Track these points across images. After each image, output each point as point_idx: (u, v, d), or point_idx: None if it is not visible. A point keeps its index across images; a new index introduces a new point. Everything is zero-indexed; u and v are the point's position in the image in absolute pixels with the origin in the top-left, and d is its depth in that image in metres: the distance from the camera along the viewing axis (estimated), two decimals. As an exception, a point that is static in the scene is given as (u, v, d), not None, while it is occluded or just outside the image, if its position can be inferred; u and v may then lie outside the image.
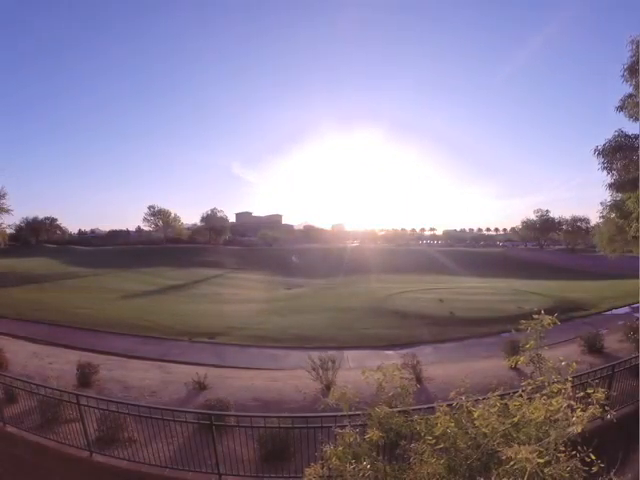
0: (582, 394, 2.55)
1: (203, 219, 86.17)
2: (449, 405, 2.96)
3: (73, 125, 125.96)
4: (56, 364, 11.12)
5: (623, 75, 13.64)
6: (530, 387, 2.70)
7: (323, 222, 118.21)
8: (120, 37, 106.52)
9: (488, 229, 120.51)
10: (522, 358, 3.08)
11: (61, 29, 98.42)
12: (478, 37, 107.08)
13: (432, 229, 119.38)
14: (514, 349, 9.55)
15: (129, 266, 48.57)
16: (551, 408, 2.31)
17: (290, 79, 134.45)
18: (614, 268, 34.57)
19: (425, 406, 4.03)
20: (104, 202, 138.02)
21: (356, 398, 3.31)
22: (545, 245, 79.28)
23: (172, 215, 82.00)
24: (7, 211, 29.85)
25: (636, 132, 14.53)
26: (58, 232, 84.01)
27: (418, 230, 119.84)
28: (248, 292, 32.86)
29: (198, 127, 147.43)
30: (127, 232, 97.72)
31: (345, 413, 3.33)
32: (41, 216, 79.92)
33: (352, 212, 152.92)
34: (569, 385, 2.53)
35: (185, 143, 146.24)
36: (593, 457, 2.38)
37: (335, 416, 4.57)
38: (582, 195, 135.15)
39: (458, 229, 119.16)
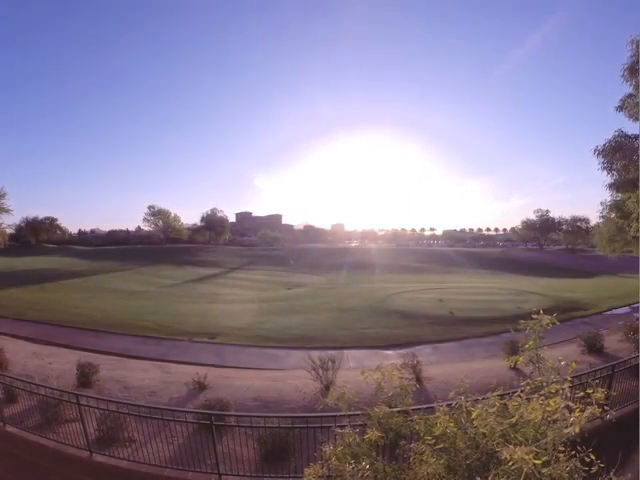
0: (582, 394, 2.55)
1: (203, 219, 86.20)
2: (448, 405, 2.96)
3: (73, 125, 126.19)
4: (56, 364, 11.11)
5: (623, 75, 13.63)
6: (529, 387, 2.70)
7: (323, 222, 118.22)
8: (120, 37, 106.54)
9: (488, 229, 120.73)
10: (521, 358, 3.08)
11: (63, 28, 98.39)
12: (478, 36, 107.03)
13: (432, 229, 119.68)
14: (513, 349, 9.57)
15: (129, 266, 48.59)
16: (548, 409, 2.30)
17: (290, 79, 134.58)
18: (613, 268, 34.64)
19: (424, 406, 4.03)
20: (104, 202, 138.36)
21: (356, 398, 3.31)
22: (545, 245, 79.27)
23: (172, 215, 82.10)
24: (7, 211, 29.95)
25: (636, 132, 14.52)
26: (58, 232, 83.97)
27: (418, 230, 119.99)
28: (248, 292, 32.84)
29: (198, 127, 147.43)
30: (127, 232, 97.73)
31: (345, 413, 3.33)
32: (41, 216, 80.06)
33: (352, 212, 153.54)
34: (567, 385, 2.53)
35: (185, 143, 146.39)
36: (593, 457, 2.38)
37: (335, 416, 4.58)
38: (582, 195, 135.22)
39: (458, 229, 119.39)
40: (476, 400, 2.84)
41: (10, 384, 7.71)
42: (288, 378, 10.44)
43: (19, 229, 75.31)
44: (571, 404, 2.32)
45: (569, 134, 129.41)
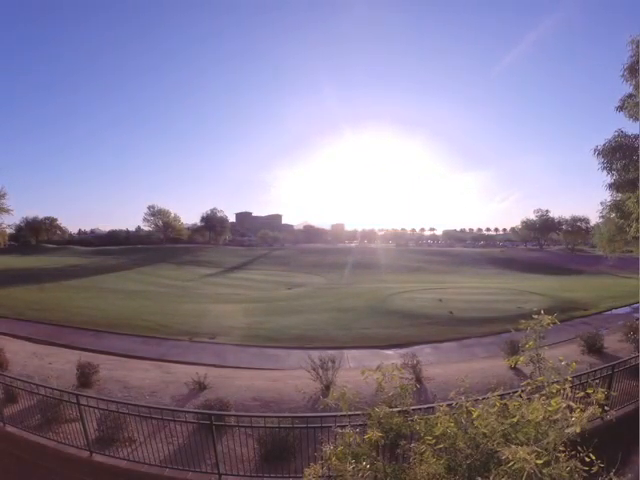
0: (582, 394, 2.55)
1: (203, 219, 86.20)
2: (449, 405, 2.97)
3: (73, 125, 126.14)
4: (56, 364, 11.10)
5: (623, 75, 13.64)
6: (530, 387, 2.70)
7: (323, 222, 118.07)
8: (120, 36, 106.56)
9: (488, 229, 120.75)
10: (522, 358, 3.09)
11: (63, 28, 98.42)
12: (477, 36, 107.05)
13: (432, 229, 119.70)
14: (514, 349, 9.58)
15: (129, 266, 48.60)
16: (550, 408, 2.31)
17: (290, 79, 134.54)
18: (613, 268, 34.65)
19: (425, 406, 4.04)
20: (104, 202, 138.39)
21: (356, 398, 3.31)
22: (545, 245, 79.27)
23: (172, 215, 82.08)
24: (7, 211, 29.89)
25: (636, 132, 14.53)
26: (58, 232, 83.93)
27: (418, 230, 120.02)
28: (248, 292, 32.83)
29: (198, 127, 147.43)
30: (127, 232, 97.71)
31: (345, 413, 3.33)
32: (41, 216, 79.94)
33: (352, 212, 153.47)
34: (568, 385, 2.53)
35: (185, 143, 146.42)
36: (593, 457, 2.38)
37: (335, 416, 4.58)
38: (582, 195, 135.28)
39: (458, 229, 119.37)
40: (476, 400, 2.84)
41: (10, 384, 7.71)
42: (288, 378, 10.43)
43: (19, 229, 75.26)
44: (572, 404, 2.33)
45: (569, 134, 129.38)
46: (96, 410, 6.64)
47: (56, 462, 6.64)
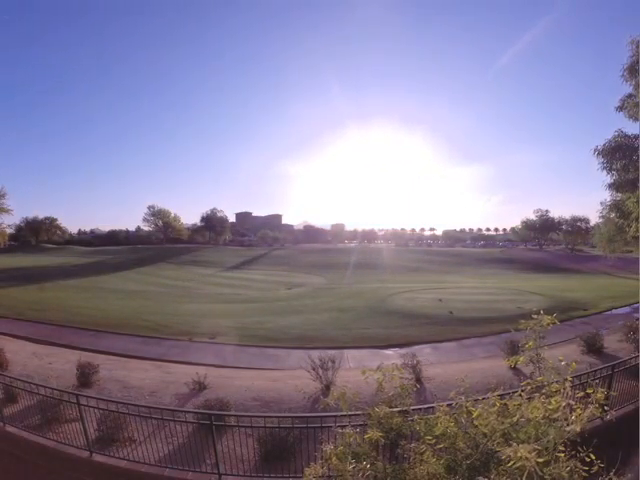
0: (582, 394, 2.55)
1: (203, 219, 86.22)
2: (449, 405, 2.97)
3: (73, 125, 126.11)
4: (56, 364, 11.11)
5: (623, 75, 13.65)
6: (529, 387, 2.71)
7: (323, 222, 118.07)
8: (120, 36, 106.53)
9: (488, 229, 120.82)
10: (522, 358, 3.09)
11: (64, 27, 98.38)
12: (477, 36, 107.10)
13: (432, 229, 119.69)
14: (514, 349, 9.57)
15: (129, 266, 48.59)
16: (550, 407, 2.31)
17: (291, 81, 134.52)
18: (613, 268, 34.66)
19: (425, 406, 4.04)
20: (104, 202, 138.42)
21: (356, 398, 3.32)
22: (545, 245, 79.26)
23: (172, 215, 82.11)
24: (7, 211, 29.94)
25: (636, 132, 14.55)
26: (58, 232, 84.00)
27: (418, 230, 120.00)
28: (248, 292, 32.82)
29: (198, 127, 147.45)
30: (127, 232, 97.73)
31: (345, 413, 3.34)
32: (41, 216, 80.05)
33: (352, 212, 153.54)
34: (568, 385, 2.53)
35: (185, 143, 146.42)
36: (593, 457, 2.38)
37: (335, 416, 4.59)
38: (581, 195, 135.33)
39: (458, 229, 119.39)
40: (476, 400, 2.85)
41: (10, 384, 7.71)
42: (288, 378, 10.43)
43: (19, 229, 75.36)
44: (572, 403, 2.33)
45: (569, 134, 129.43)
46: (96, 410, 6.64)
47: (56, 462, 6.64)
